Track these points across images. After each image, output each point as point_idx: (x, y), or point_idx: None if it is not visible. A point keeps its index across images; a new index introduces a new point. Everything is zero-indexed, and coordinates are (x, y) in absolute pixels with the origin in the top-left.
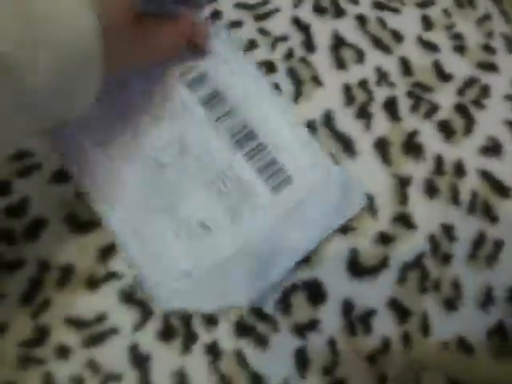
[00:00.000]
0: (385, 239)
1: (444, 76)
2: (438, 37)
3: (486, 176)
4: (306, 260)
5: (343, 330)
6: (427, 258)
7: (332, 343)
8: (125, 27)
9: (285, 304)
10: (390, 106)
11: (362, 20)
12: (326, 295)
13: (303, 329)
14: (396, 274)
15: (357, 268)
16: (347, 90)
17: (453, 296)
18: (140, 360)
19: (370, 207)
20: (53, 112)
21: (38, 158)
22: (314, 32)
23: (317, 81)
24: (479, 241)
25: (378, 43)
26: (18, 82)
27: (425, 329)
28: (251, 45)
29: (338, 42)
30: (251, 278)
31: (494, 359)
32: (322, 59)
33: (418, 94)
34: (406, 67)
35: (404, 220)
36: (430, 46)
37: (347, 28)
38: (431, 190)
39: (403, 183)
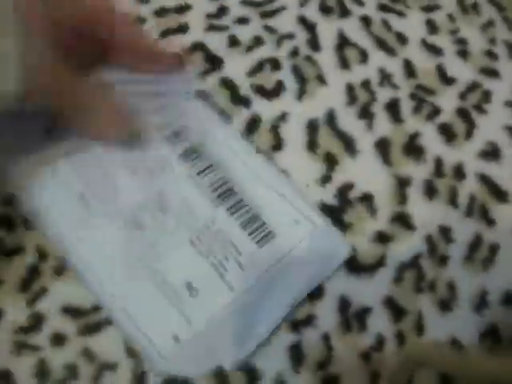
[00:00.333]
0: (383, 238)
1: (447, 80)
2: (442, 41)
3: (485, 180)
4: None
5: (338, 327)
6: (424, 258)
7: (327, 339)
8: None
9: None
10: (393, 107)
11: (366, 21)
12: (323, 291)
13: (299, 324)
14: (393, 274)
15: (354, 266)
16: (350, 89)
17: (448, 297)
18: (135, 350)
19: (370, 206)
20: None
21: None
22: (319, 31)
23: (321, 79)
24: (476, 244)
25: (382, 44)
26: None
27: (419, 328)
28: (257, 41)
29: (343, 42)
30: (239, 338)
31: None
32: (326, 58)
33: (421, 97)
34: (409, 69)
35: (403, 220)
36: (433, 50)
37: (352, 28)
38: (430, 191)
39: (403, 184)
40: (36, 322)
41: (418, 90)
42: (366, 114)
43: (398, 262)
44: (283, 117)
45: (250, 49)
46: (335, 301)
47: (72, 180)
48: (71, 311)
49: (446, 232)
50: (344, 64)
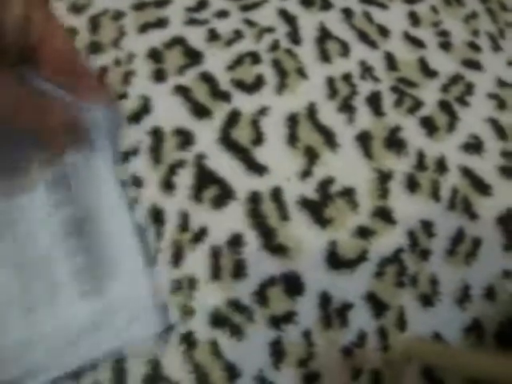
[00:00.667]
0: (364, 233)
1: (429, 72)
2: (424, 33)
3: (467, 173)
4: (285, 252)
5: (319, 323)
6: (406, 253)
7: (307, 335)
8: None
9: (262, 296)
10: (374, 101)
11: (348, 13)
12: (303, 287)
13: (279, 320)
14: (374, 268)
15: (335, 260)
16: (331, 82)
17: (430, 292)
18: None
19: (351, 201)
20: None
21: None
22: (300, 24)
23: (301, 73)
24: (458, 238)
25: (363, 37)
26: None
27: (401, 323)
28: (237, 35)
29: (324, 35)
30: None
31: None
32: (307, 51)
33: (403, 90)
34: (391, 62)
35: (384, 214)
36: (416, 42)
37: (333, 21)
38: (412, 185)
39: (384, 178)
40: None
41: (400, 82)
42: (346, 107)
43: (379, 257)
44: (263, 111)
45: (229, 43)
46: (316, 297)
47: None
48: None
49: (427, 226)
50: (325, 57)
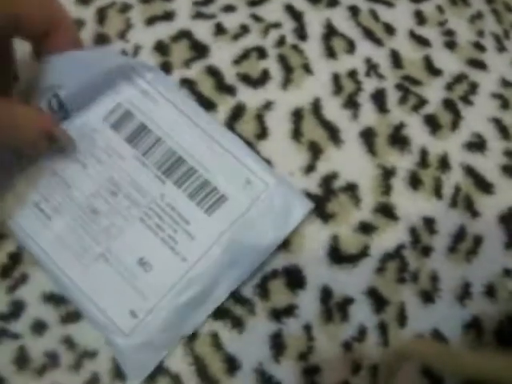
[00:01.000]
0: (366, 229)
1: (434, 71)
2: (429, 32)
3: (470, 171)
4: (287, 246)
5: (320, 317)
6: (407, 249)
7: (308, 329)
8: None
9: (263, 288)
10: (378, 98)
11: (354, 11)
12: (305, 281)
13: (280, 313)
14: (375, 264)
15: (337, 255)
16: (336, 79)
17: (431, 288)
18: None
19: (354, 196)
20: None
21: None
22: (306, 20)
23: (307, 69)
24: (459, 235)
25: (369, 35)
26: None
27: (401, 319)
28: (243, 30)
29: (330, 32)
30: (196, 305)
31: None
32: (313, 48)
33: (407, 87)
34: (396, 60)
35: (386, 211)
36: (421, 41)
37: (340, 18)
38: (415, 182)
39: (387, 174)
40: (16, 309)
41: (405, 80)
42: (351, 103)
43: (381, 253)
44: (268, 105)
45: (236, 37)
46: (317, 291)
47: (26, 191)
48: (52, 299)
49: (429, 223)
50: (330, 53)
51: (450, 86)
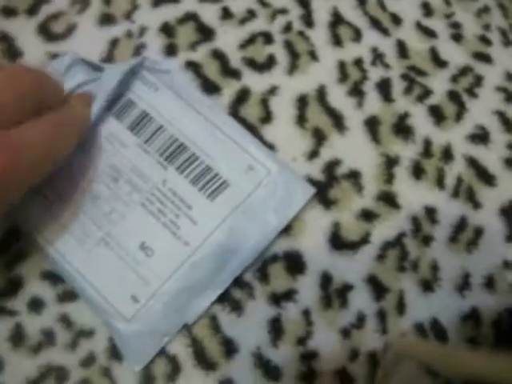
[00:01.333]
0: (368, 216)
1: (439, 62)
2: (436, 24)
3: (473, 163)
4: (288, 231)
5: (319, 302)
6: (408, 238)
7: (307, 314)
8: None
9: (263, 272)
10: (384, 87)
11: (362, 0)
12: (305, 266)
13: (279, 298)
14: (376, 251)
15: (338, 242)
16: (342, 66)
17: (430, 277)
18: None
19: (356, 183)
20: None
21: None
22: (313, 7)
23: (313, 55)
24: (460, 225)
25: (376, 24)
26: None
27: (400, 307)
28: (250, 15)
29: (337, 20)
30: (199, 291)
31: (467, 345)
32: (319, 35)
33: (413, 78)
34: (402, 50)
35: (388, 199)
36: (427, 32)
37: (347, 6)
38: (418, 171)
39: (390, 163)
40: (13, 286)
41: (410, 70)
42: (356, 91)
43: (381, 240)
44: (273, 90)
45: (242, 22)
46: (317, 276)
47: None
48: (50, 277)
49: (431, 212)
50: (337, 41)
51: (455, 78)
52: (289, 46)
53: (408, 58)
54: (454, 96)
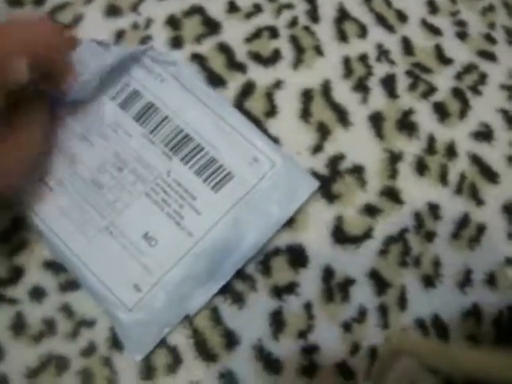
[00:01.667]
0: (371, 211)
1: (444, 60)
2: (441, 21)
3: (476, 160)
4: (291, 224)
5: (321, 296)
6: (411, 233)
7: (308, 307)
8: None
9: (265, 265)
10: (388, 83)
11: None
12: (307, 259)
13: (281, 291)
14: (378, 246)
15: (341, 236)
16: (347, 62)
17: (432, 273)
18: None
19: (360, 178)
20: None
21: None
22: (319, 3)
23: (318, 50)
24: (463, 222)
25: (381, 21)
26: None
27: (402, 302)
28: (256, 9)
29: (343, 16)
30: (201, 282)
31: (467, 343)
32: (325, 30)
33: (417, 74)
34: (407, 47)
35: (392, 194)
36: (433, 30)
37: (352, 2)
38: (421, 167)
39: (394, 158)
40: (15, 275)
41: (415, 67)
42: (361, 87)
43: (384, 235)
44: (278, 84)
45: (248, 16)
46: (319, 270)
47: None
48: (52, 266)
49: (434, 209)
50: (342, 37)
51: (459, 76)
52: (294, 40)
53: (413, 54)
54: (458, 93)
